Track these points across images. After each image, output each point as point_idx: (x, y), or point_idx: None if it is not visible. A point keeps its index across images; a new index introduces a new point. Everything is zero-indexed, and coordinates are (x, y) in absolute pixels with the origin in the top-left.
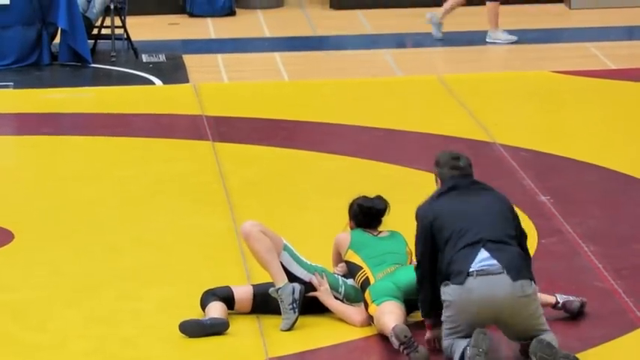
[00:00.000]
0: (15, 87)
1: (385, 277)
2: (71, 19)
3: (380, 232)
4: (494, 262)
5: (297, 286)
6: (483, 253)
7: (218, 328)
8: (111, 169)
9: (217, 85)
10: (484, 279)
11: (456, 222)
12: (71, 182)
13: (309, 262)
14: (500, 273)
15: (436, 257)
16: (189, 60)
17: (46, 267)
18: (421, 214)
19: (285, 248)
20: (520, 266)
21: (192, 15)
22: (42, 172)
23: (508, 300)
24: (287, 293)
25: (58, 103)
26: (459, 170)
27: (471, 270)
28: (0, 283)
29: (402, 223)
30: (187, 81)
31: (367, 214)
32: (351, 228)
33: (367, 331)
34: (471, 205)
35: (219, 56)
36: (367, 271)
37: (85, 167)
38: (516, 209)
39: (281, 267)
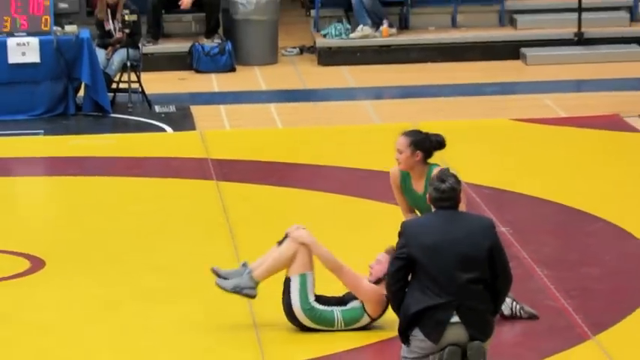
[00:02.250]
0: (45, 134)
1: None
2: (93, 75)
3: None
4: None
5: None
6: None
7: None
8: (128, 205)
9: (220, 132)
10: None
11: (428, 262)
12: (94, 216)
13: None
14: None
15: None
16: (196, 110)
17: (73, 289)
18: (404, 231)
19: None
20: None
21: (198, 71)
22: (68, 207)
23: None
24: None
25: (83, 148)
26: (440, 193)
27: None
28: (34, 304)
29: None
30: (194, 128)
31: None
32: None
33: (365, 340)
34: (446, 241)
35: (222, 107)
36: None
37: (105, 203)
38: None
39: None
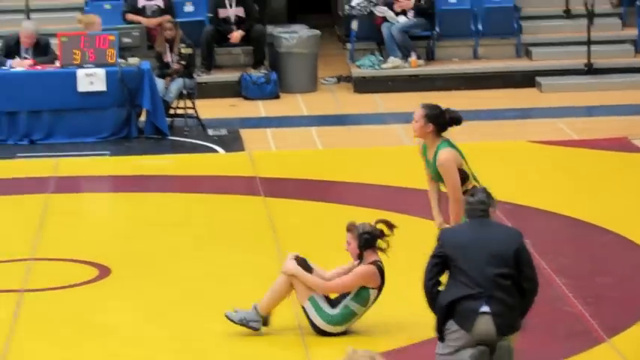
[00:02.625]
0: (111, 155)
1: None
2: (153, 102)
3: None
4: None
5: None
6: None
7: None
8: (185, 218)
9: (267, 152)
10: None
11: (461, 258)
12: (154, 229)
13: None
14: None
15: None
16: (245, 133)
17: (136, 295)
18: (441, 236)
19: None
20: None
21: (246, 98)
22: (132, 221)
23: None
24: None
25: (144, 168)
26: (470, 205)
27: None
28: (101, 308)
29: (408, 264)
30: (243, 150)
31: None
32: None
33: (404, 342)
34: (477, 240)
35: (268, 130)
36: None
37: (164, 217)
38: None
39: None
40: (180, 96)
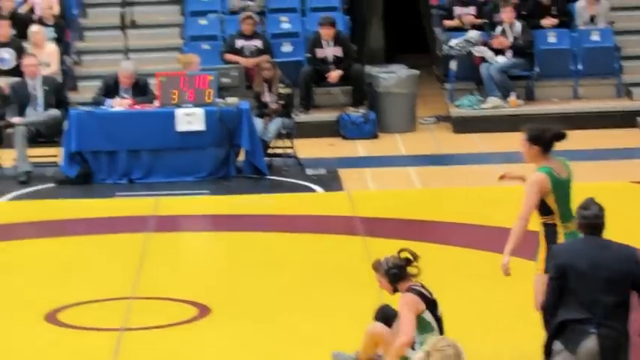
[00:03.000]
0: (209, 194)
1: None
2: (252, 142)
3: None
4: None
5: None
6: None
7: None
8: (284, 258)
9: (365, 192)
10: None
11: (576, 284)
12: (253, 268)
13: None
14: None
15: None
16: (344, 173)
17: (236, 335)
18: (556, 255)
19: None
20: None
21: (345, 138)
22: (231, 260)
23: None
24: None
25: (243, 207)
26: (584, 220)
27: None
28: (200, 348)
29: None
30: (342, 189)
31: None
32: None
33: None
34: (592, 267)
35: (367, 170)
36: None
37: (263, 256)
38: None
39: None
40: (279, 136)
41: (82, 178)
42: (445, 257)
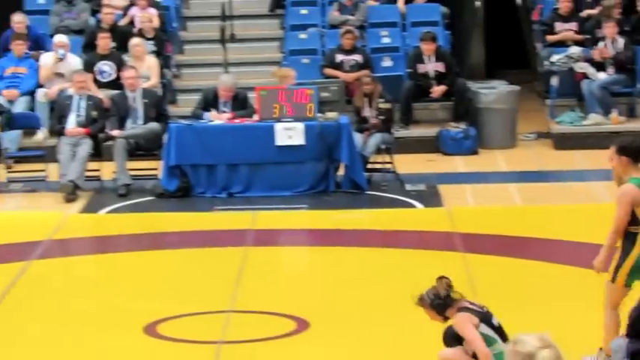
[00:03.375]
0: (308, 209)
1: None
2: (351, 157)
3: None
4: None
5: None
6: None
7: None
8: (383, 273)
9: (465, 208)
10: None
11: None
12: (352, 282)
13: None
14: None
15: None
16: (443, 189)
17: (335, 349)
18: None
19: None
20: None
21: (445, 154)
22: (330, 274)
23: None
24: None
25: (342, 222)
26: None
27: None
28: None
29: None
30: (442, 205)
31: None
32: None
33: None
34: None
35: (467, 186)
36: None
37: (362, 271)
38: None
39: None
40: (378, 151)
41: (181, 192)
42: (545, 274)
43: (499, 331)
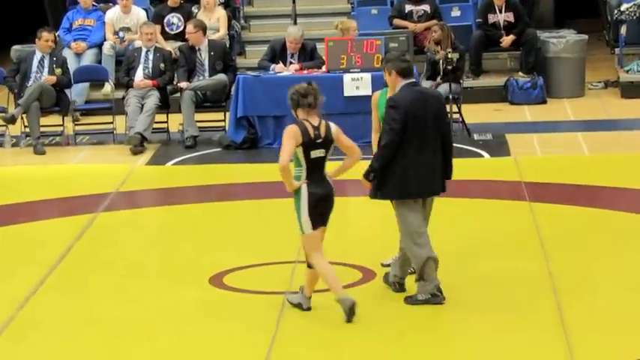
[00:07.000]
0: None
1: None
2: None
3: None
4: None
5: None
6: None
7: None
8: (450, 222)
9: (533, 157)
10: None
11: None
12: None
13: None
14: None
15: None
16: (511, 138)
17: (399, 299)
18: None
19: None
20: None
21: (512, 103)
22: (396, 225)
23: None
24: None
25: None
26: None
27: None
28: (366, 310)
29: None
30: (509, 155)
31: None
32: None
33: None
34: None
35: (534, 135)
36: None
37: (431, 221)
38: None
39: None
40: (447, 100)
41: (248, 143)
42: (613, 223)
43: (313, 162)
